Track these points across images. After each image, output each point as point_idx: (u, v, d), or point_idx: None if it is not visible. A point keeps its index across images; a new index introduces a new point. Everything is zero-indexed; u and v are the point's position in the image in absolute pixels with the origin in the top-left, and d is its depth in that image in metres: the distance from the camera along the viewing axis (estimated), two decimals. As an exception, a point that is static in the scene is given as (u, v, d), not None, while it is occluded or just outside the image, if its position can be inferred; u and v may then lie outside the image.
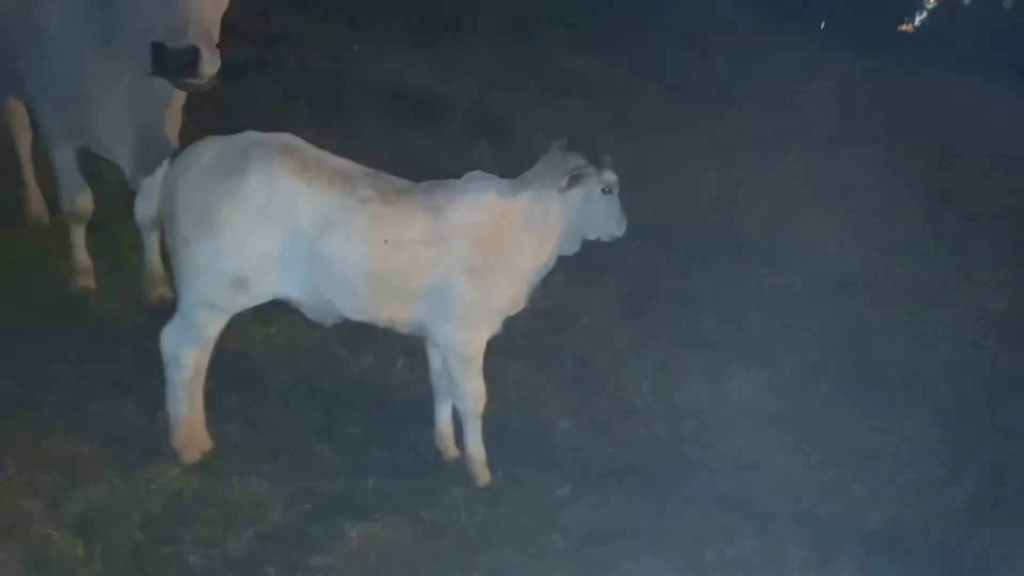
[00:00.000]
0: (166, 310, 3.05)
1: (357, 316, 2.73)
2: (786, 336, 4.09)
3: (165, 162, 3.14)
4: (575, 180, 2.69)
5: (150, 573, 2.43)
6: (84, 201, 3.40)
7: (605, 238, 2.89)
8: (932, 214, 6.03)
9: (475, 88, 6.94)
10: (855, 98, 8.06)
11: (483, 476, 2.92)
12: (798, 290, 4.58)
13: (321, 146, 5.12)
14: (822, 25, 12.00)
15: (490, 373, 3.32)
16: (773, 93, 7.71)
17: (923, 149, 7.20)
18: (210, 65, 2.72)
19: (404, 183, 2.73)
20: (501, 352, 3.55)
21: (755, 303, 4.34)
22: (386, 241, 2.61)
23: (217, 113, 5.44)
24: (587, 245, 2.93)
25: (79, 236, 3.50)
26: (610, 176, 2.78)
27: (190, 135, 2.78)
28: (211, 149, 2.60)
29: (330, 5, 8.13)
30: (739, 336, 4.05)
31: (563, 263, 3.08)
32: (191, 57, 2.67)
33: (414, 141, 5.85)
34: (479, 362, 2.80)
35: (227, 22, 2.92)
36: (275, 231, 2.57)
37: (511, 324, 3.21)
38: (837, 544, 2.92)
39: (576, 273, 4.17)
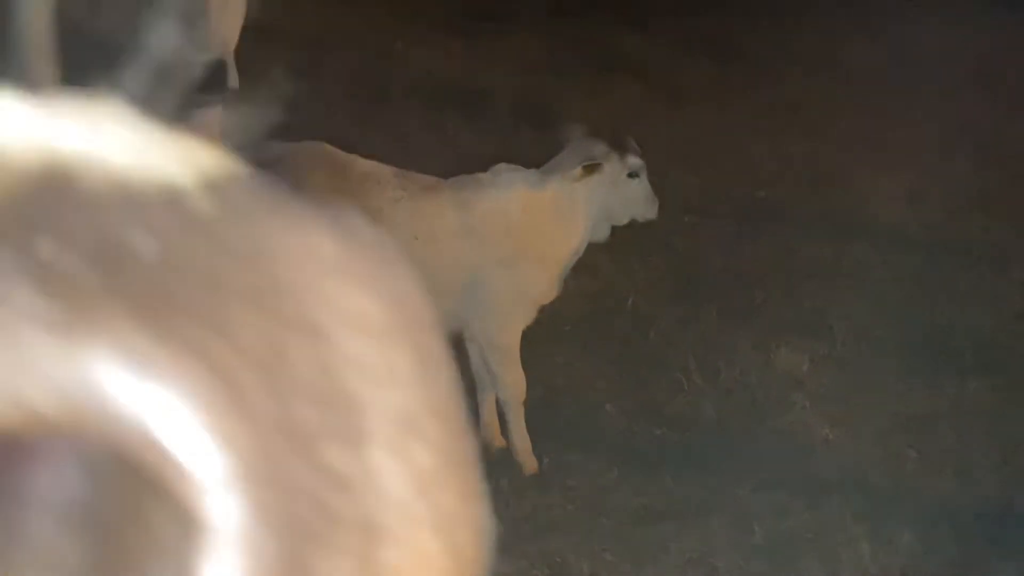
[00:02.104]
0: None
1: (393, 314, 2.78)
2: (840, 306, 4.01)
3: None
4: (589, 169, 2.70)
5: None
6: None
7: (639, 220, 2.89)
8: (997, 170, 5.81)
9: (519, 76, 6.95)
10: (912, 56, 7.79)
11: (530, 464, 2.96)
12: (853, 258, 4.49)
13: (367, 145, 5.21)
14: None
15: (536, 360, 3.36)
16: (826, 56, 7.52)
17: (988, 103, 6.94)
18: (234, 76, 2.80)
19: (432, 180, 2.78)
20: (547, 339, 3.59)
21: (807, 274, 4.27)
22: (417, 238, 2.66)
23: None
24: (633, 227, 2.94)
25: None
26: (634, 160, 2.78)
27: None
28: (240, 161, 2.69)
29: (372, 3, 8.23)
30: (790, 309, 3.99)
31: (609, 246, 3.10)
32: (219, 72, 2.75)
33: (460, 134, 5.91)
34: (516, 352, 2.84)
35: (266, 26, 3.00)
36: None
37: (557, 310, 3.25)
38: (893, 516, 2.87)
39: (623, 255, 4.18)
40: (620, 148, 2.79)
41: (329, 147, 2.77)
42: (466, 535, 0.26)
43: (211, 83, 2.76)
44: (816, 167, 5.54)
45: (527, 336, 2.98)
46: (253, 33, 3.05)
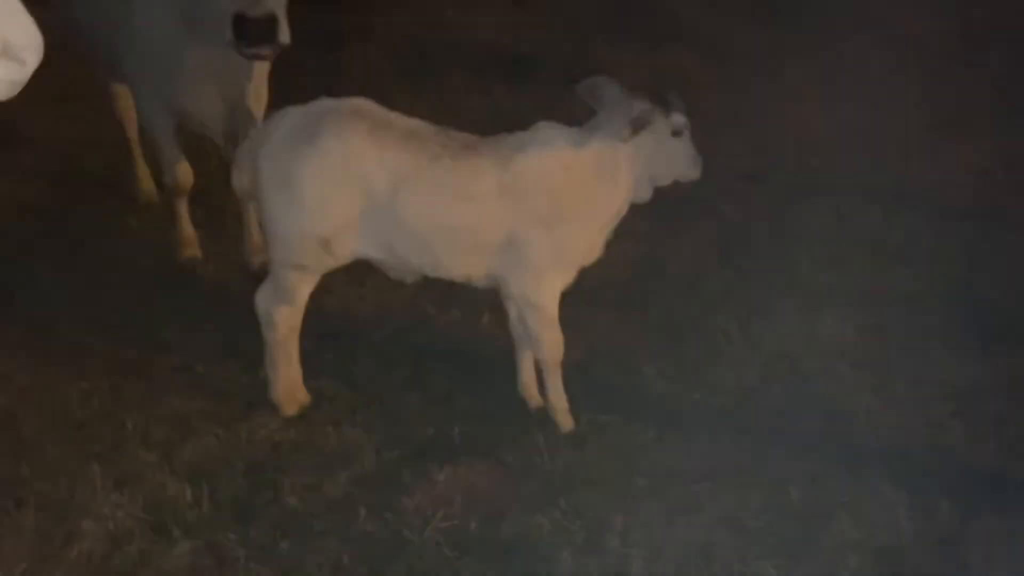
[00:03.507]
0: (267, 276, 3.23)
1: (434, 272, 2.82)
2: (887, 275, 3.94)
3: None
4: (637, 127, 2.66)
5: (253, 515, 2.62)
6: (183, 174, 3.63)
7: (683, 180, 2.86)
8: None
9: (568, 42, 6.89)
10: (980, 24, 7.52)
11: (566, 423, 2.98)
12: (903, 226, 4.38)
13: (413, 110, 5.22)
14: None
15: (577, 322, 3.37)
16: (884, 22, 7.30)
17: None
18: (287, 33, 2.83)
19: (473, 138, 2.79)
20: (589, 302, 3.59)
21: (855, 243, 4.19)
22: (456, 196, 2.68)
23: (314, 83, 5.65)
24: (681, 192, 2.91)
25: (183, 208, 3.74)
26: (679, 118, 2.74)
27: (290, 104, 2.89)
28: (287, 119, 2.73)
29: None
30: (836, 278, 3.93)
31: (655, 211, 3.08)
32: (270, 25, 2.79)
33: (506, 100, 5.89)
34: (554, 311, 2.85)
35: None
36: (351, 192, 2.68)
37: (600, 274, 3.24)
38: (933, 485, 2.83)
39: (669, 221, 4.15)
40: (664, 105, 2.74)
41: (373, 104, 2.79)
42: None
43: (263, 35, 2.81)
44: (870, 134, 5.40)
45: (568, 298, 2.99)
46: (306, -1, 3.10)
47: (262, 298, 2.87)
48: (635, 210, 2.99)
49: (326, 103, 2.75)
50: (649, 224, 4.09)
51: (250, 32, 2.78)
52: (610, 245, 3.00)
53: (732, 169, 4.84)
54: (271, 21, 2.78)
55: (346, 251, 2.78)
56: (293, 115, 2.73)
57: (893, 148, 5.23)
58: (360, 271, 3.39)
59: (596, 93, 2.75)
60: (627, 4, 8.05)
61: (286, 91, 3.60)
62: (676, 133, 2.73)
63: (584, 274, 2.99)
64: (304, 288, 2.87)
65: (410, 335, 3.48)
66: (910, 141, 5.31)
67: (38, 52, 1.42)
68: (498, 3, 7.62)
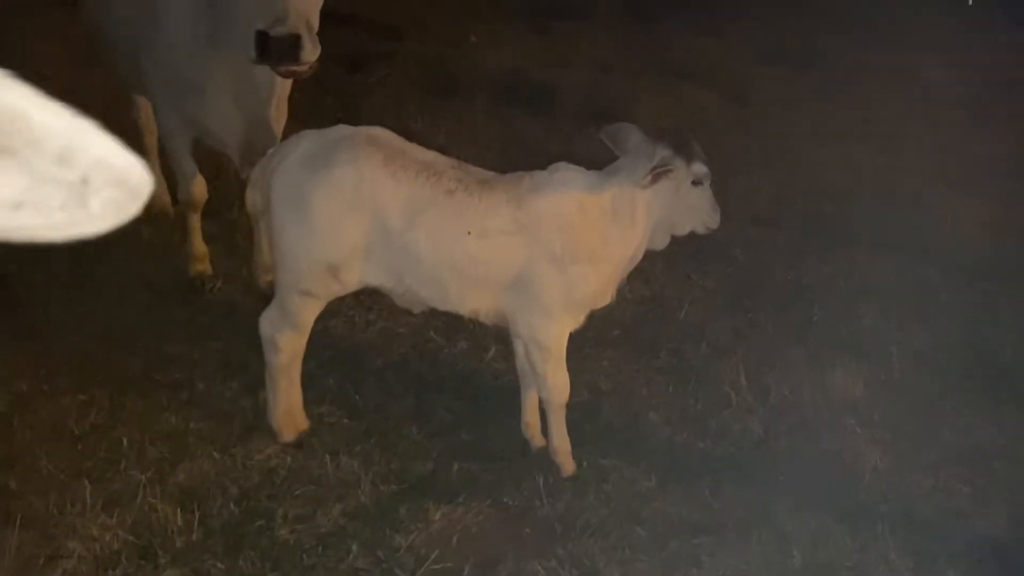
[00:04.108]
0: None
1: (442, 305, 2.78)
2: (900, 329, 3.89)
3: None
4: (658, 176, 2.62)
5: (242, 544, 2.57)
6: (198, 190, 3.61)
7: (700, 231, 2.81)
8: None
9: (589, 74, 6.89)
10: (997, 75, 7.51)
11: (568, 466, 2.93)
12: (918, 280, 4.33)
13: (433, 135, 5.19)
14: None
15: (581, 362, 3.33)
16: (906, 71, 7.29)
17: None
18: (311, 52, 2.81)
19: (489, 174, 2.75)
20: (595, 341, 3.56)
21: (868, 294, 4.14)
22: (469, 232, 2.65)
23: (337, 104, 5.66)
24: (693, 234, 2.84)
25: (195, 223, 3.71)
26: (700, 167, 2.69)
27: (312, 125, 2.87)
28: (303, 143, 2.71)
29: (450, -4, 8.24)
30: (848, 329, 3.88)
31: (666, 252, 3.03)
32: (293, 44, 2.77)
33: (526, 129, 5.88)
34: (561, 353, 2.80)
35: (344, 13, 3.01)
36: (362, 221, 2.65)
37: (607, 313, 3.20)
38: (941, 552, 2.77)
39: (679, 262, 4.11)
40: (686, 153, 2.69)
41: (390, 133, 2.77)
42: None
43: (285, 54, 2.79)
44: (886, 183, 5.38)
45: (574, 338, 2.94)
46: (329, 18, 3.08)
47: (266, 322, 2.84)
48: (647, 250, 2.95)
49: (343, 130, 2.73)
50: (659, 265, 4.06)
51: (272, 50, 2.76)
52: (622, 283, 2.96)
53: (746, 212, 4.81)
54: (294, 40, 2.76)
55: (354, 279, 2.74)
56: (309, 139, 2.71)
57: (909, 199, 5.19)
58: (369, 295, 3.36)
59: (619, 138, 2.71)
60: (648, 39, 8.07)
61: (308, 111, 3.60)
62: (697, 182, 2.68)
63: (591, 313, 2.94)
64: (310, 314, 2.83)
65: (415, 364, 3.44)
66: (926, 192, 5.27)
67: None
68: (522, 32, 7.65)
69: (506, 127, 5.86)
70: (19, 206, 0.64)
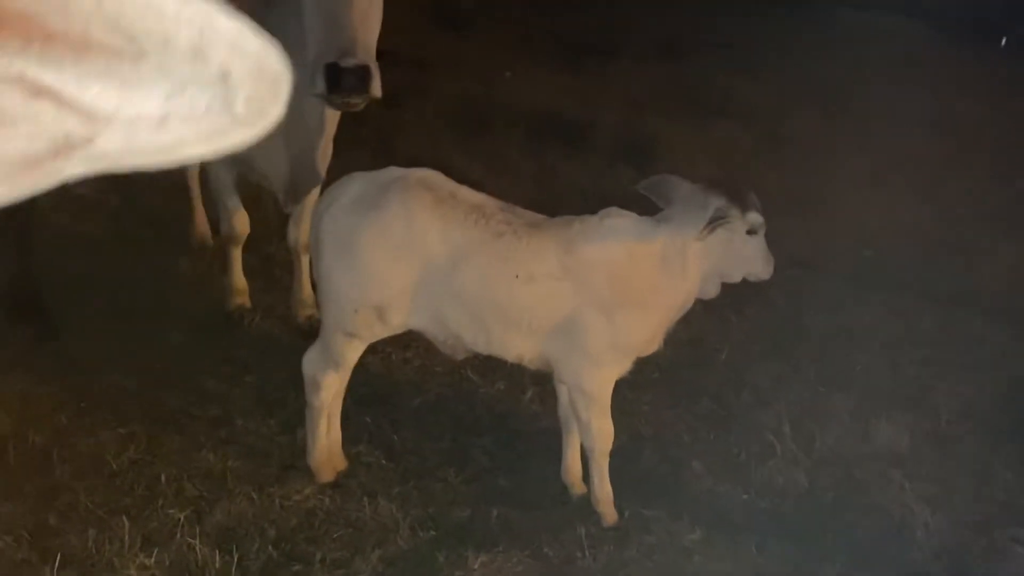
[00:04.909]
0: (313, 331, 3.18)
1: (486, 350, 2.75)
2: (946, 378, 3.81)
3: (315, 192, 3.28)
4: (714, 225, 2.58)
5: (281, 589, 2.53)
6: (240, 224, 3.61)
7: (753, 279, 2.77)
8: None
9: (623, 112, 6.89)
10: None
11: (610, 515, 2.87)
12: (963, 329, 4.26)
13: (467, 171, 5.19)
14: (1003, 41, 10.97)
15: (621, 405, 3.27)
16: (941, 112, 7.24)
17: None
18: (378, 83, 2.81)
19: (539, 218, 2.73)
20: (634, 385, 3.50)
21: (913, 341, 4.07)
22: (517, 276, 2.62)
23: (372, 139, 5.69)
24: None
25: (236, 257, 3.72)
26: (755, 217, 2.64)
27: (348, 159, 2.86)
28: (355, 184, 2.70)
29: (482, 29, 8.31)
30: (893, 378, 3.80)
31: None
32: (364, 75, 2.77)
33: (560, 165, 5.88)
34: (607, 401, 2.76)
35: (381, 50, 3.03)
36: (412, 264, 2.63)
37: (646, 357, 3.16)
38: (994, 615, 2.69)
39: (718, 305, 4.04)
40: (740, 202, 2.65)
41: (440, 175, 2.75)
42: None
43: (356, 85, 2.78)
44: (927, 229, 5.31)
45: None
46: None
47: (309, 362, 2.82)
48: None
49: (394, 172, 2.72)
50: (698, 306, 4.01)
51: (344, 82, 2.75)
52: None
53: (784, 255, 4.74)
54: (365, 71, 2.76)
55: (400, 321, 2.72)
56: (360, 181, 2.70)
57: (950, 245, 5.12)
58: (406, 332, 3.33)
59: (660, 190, 2.68)
60: (682, 78, 8.07)
61: (344, 146, 3.59)
62: (751, 232, 2.64)
63: (637, 360, 2.90)
64: (353, 354, 2.81)
65: (452, 404, 3.41)
66: (967, 238, 5.20)
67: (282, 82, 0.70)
68: (556, 69, 7.68)
69: (540, 163, 5.86)
70: (165, 119, 0.53)
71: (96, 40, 0.50)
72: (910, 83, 7.97)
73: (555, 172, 5.76)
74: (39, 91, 0.51)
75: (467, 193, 2.71)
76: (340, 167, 3.25)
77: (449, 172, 2.90)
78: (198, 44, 0.52)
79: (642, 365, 3.49)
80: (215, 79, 0.54)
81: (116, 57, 0.51)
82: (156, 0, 0.50)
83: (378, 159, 2.99)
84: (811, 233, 5.12)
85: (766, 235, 2.71)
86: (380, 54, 3.01)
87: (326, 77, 2.72)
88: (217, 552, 2.59)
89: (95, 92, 0.51)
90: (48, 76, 0.50)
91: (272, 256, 4.09)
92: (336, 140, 3.57)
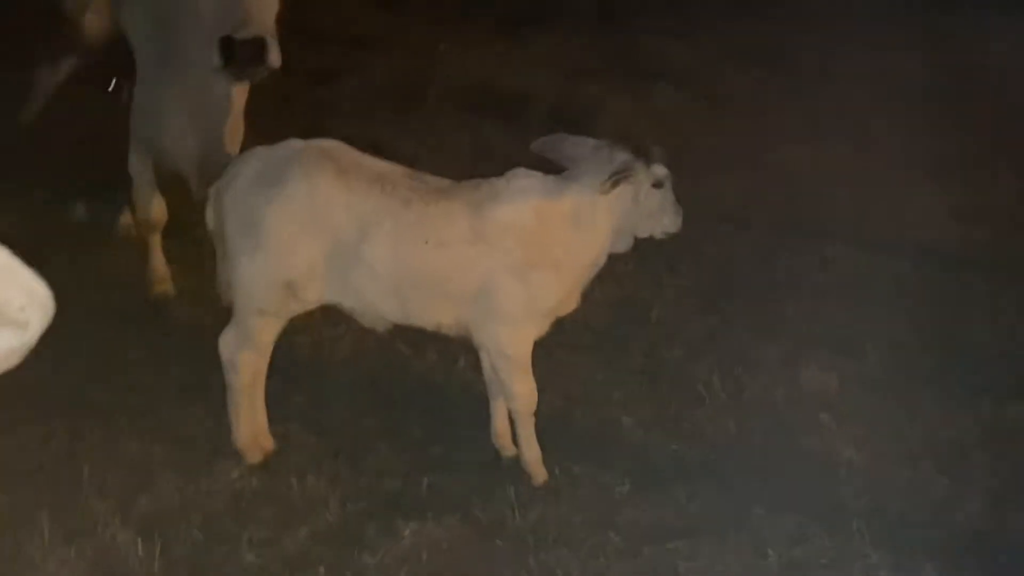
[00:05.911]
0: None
1: (403, 320, 2.74)
2: (875, 324, 3.86)
3: (223, 172, 3.24)
4: (616, 181, 2.58)
5: (207, 571, 2.51)
6: (156, 210, 3.56)
7: (659, 235, 2.78)
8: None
9: (559, 81, 6.87)
10: (963, 66, 7.53)
11: (539, 474, 2.88)
12: (892, 273, 4.32)
13: (402, 147, 5.13)
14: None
15: (554, 368, 3.29)
16: (871, 66, 7.30)
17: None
18: (276, 54, 2.78)
19: (446, 183, 2.72)
20: (567, 346, 3.51)
21: (842, 290, 4.12)
22: (427, 242, 2.61)
23: (304, 118, 5.61)
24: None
25: (155, 244, 3.66)
26: (660, 170, 2.65)
27: (279, 139, 2.81)
28: (254, 160, 2.67)
29: (418, 4, 8.21)
30: (821, 326, 3.85)
31: (636, 254, 2.99)
32: (260, 46, 2.73)
33: (496, 137, 5.85)
34: (527, 362, 2.77)
35: (312, 27, 2.97)
36: (319, 237, 2.60)
37: (579, 318, 3.16)
38: (918, 545, 2.74)
39: (651, 263, 4.08)
40: (645, 156, 2.65)
41: (343, 145, 2.73)
42: None
43: (252, 57, 2.74)
44: (857, 179, 5.37)
45: (546, 344, 2.91)
46: (298, 32, 3.04)
47: (225, 343, 2.78)
48: (610, 254, 2.91)
49: (294, 143, 2.69)
50: (630, 266, 4.02)
51: (239, 54, 2.72)
52: (590, 287, 2.92)
53: (716, 211, 4.78)
54: (260, 43, 2.72)
55: (312, 297, 2.70)
56: (259, 156, 2.67)
57: (879, 192, 5.18)
58: (336, 311, 3.31)
59: (561, 150, 2.68)
60: (617, 43, 8.06)
61: (273, 127, 3.54)
62: (657, 185, 2.65)
63: (563, 317, 2.91)
64: (269, 333, 2.78)
65: (384, 378, 3.39)
66: (896, 186, 5.27)
67: (45, 309, 1.10)
68: (490, 41, 7.63)
69: (475, 136, 5.82)
70: None
71: None
72: (845, 39, 8.03)
73: (491, 144, 5.73)
74: None
75: (371, 161, 2.69)
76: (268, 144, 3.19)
77: (383, 149, 2.88)
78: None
79: (575, 327, 3.52)
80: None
81: None
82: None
83: (310, 138, 2.94)
84: (744, 189, 5.15)
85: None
86: (315, 33, 2.97)
87: (220, 50, 2.68)
88: (140, 540, 2.56)
89: None
90: None
91: (200, 240, 4.02)
92: (267, 120, 3.51)
